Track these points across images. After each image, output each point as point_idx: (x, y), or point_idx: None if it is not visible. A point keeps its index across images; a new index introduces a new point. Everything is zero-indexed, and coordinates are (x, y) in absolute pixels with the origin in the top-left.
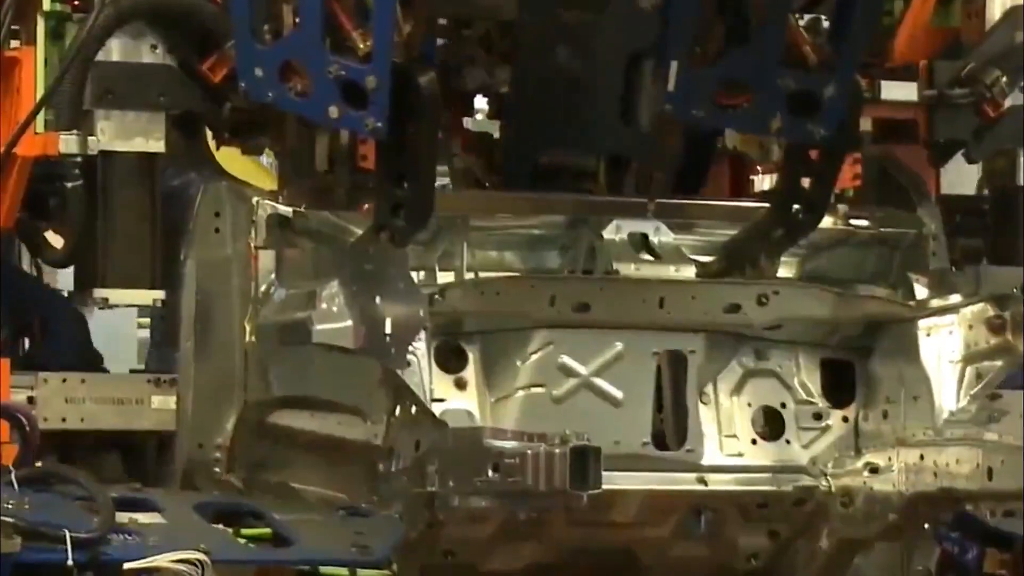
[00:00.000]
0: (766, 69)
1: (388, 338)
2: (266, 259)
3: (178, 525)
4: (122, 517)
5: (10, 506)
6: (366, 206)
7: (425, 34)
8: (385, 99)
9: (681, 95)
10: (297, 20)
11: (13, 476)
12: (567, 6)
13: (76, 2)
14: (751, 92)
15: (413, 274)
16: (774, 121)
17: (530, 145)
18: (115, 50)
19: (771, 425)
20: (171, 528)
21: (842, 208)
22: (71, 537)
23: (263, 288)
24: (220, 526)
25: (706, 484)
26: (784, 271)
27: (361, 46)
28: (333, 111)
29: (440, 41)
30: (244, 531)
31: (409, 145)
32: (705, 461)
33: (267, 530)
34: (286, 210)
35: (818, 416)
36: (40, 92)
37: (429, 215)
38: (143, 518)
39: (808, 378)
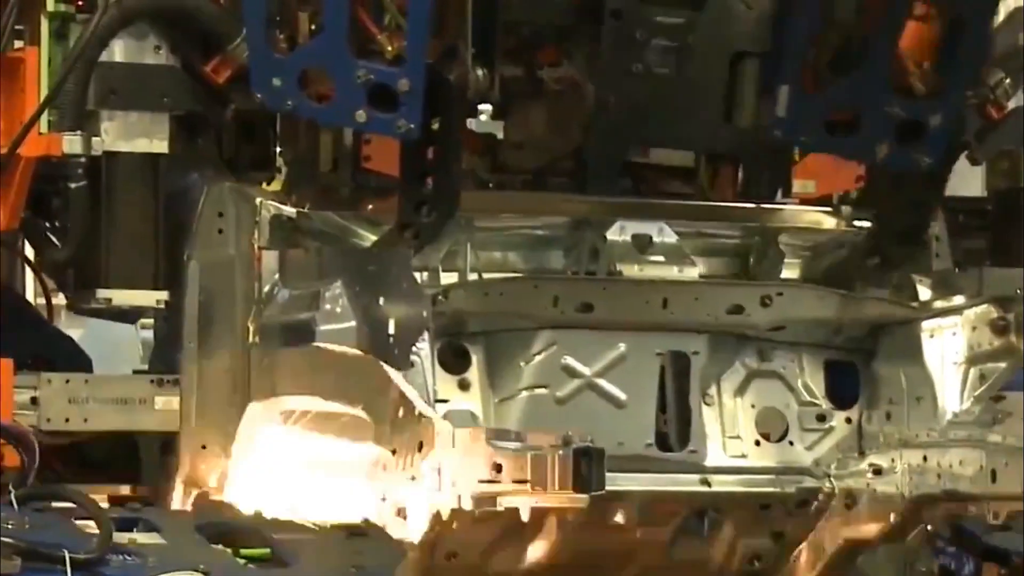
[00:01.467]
0: (875, 96)
1: (391, 339)
2: (269, 260)
3: (177, 545)
4: (121, 537)
5: (10, 526)
6: (370, 206)
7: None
8: (418, 101)
9: (790, 120)
10: (315, 27)
11: (12, 496)
12: (661, 5)
13: (80, 3)
14: (859, 119)
15: (416, 275)
16: (881, 148)
17: (620, 144)
18: (118, 51)
19: (774, 426)
20: (170, 548)
21: (845, 210)
22: (70, 558)
23: (266, 289)
24: (220, 546)
25: (709, 485)
26: (788, 272)
27: (389, 48)
28: (361, 115)
29: None
30: (244, 551)
31: (436, 142)
32: (708, 462)
33: (267, 550)
34: (290, 211)
35: (821, 417)
36: (44, 93)
37: (455, 211)
38: (142, 538)
39: (811, 379)
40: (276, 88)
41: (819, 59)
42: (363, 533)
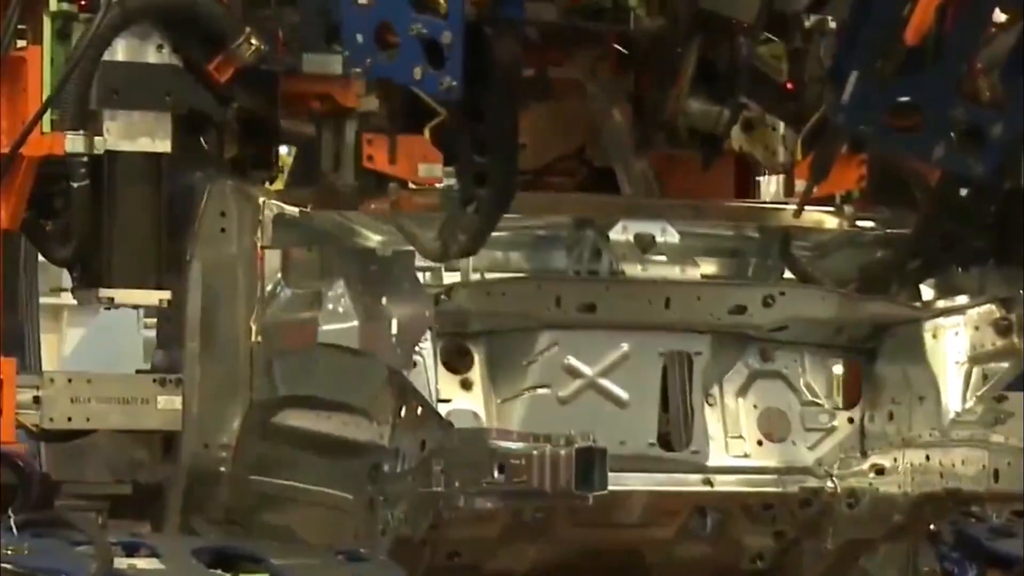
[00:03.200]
0: (941, 97)
1: (394, 338)
2: (272, 259)
3: (176, 571)
4: (120, 563)
5: (9, 552)
6: (372, 205)
7: None
8: (459, 55)
9: (853, 108)
10: None
11: (12, 521)
12: None
13: (83, 2)
14: (922, 117)
15: (419, 274)
16: (938, 148)
17: None
18: (121, 50)
19: (777, 426)
20: (169, 574)
21: (848, 209)
22: None
23: (269, 288)
24: (218, 571)
25: (712, 485)
26: (790, 272)
27: (442, 2)
28: (417, 72)
29: None
30: None
31: (488, 107)
32: (711, 462)
33: (265, 575)
34: (292, 210)
35: (824, 417)
36: (46, 92)
37: (515, 183)
38: (141, 563)
39: (814, 379)
40: (358, 44)
41: (893, 53)
42: (363, 558)
